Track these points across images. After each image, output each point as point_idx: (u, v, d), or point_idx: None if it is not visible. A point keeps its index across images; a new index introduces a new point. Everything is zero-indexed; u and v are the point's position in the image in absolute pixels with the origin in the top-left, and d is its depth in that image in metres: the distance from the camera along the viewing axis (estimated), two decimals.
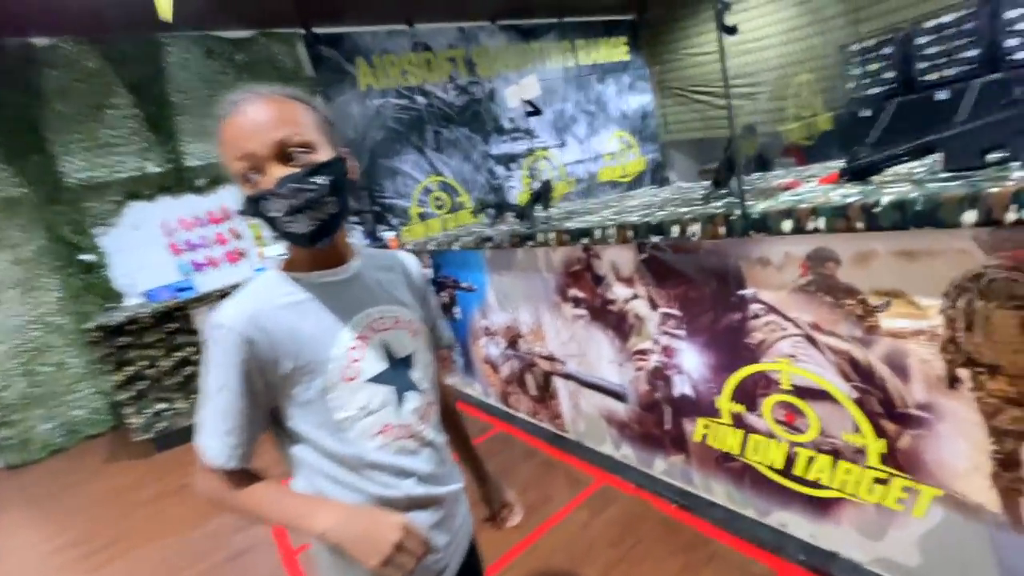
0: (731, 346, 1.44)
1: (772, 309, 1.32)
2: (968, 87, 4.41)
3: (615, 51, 7.44)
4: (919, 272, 1.03)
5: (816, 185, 1.36)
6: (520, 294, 2.26)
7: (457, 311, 2.81)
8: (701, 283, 1.47)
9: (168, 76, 4.07)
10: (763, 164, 1.61)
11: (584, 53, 7.07)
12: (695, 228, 1.32)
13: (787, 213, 1.12)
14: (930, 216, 0.91)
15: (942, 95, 5.05)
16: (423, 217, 5.51)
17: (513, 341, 2.42)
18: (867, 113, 5.62)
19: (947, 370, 1.04)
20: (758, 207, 1.20)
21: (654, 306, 1.64)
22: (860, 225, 1.00)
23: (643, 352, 1.74)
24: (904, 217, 0.94)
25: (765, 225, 1.16)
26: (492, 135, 6.08)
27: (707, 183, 1.66)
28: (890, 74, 5.68)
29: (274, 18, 4.53)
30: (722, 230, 1.25)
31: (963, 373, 1.02)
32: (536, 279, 2.11)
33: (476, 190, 6.02)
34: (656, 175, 7.95)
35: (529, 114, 1.99)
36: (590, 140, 7.19)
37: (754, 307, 1.35)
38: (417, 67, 5.54)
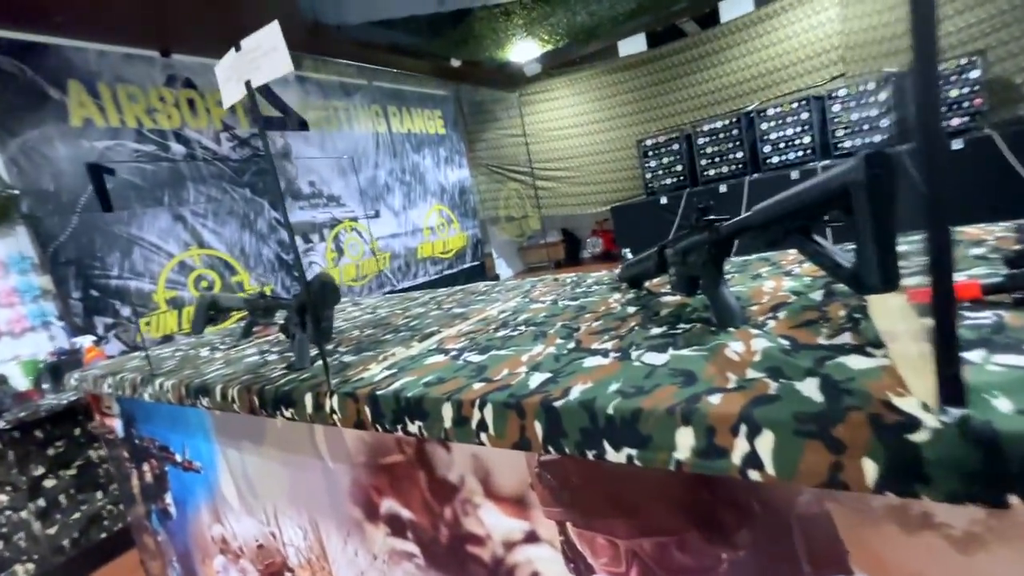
0: None
1: None
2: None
3: (431, 123, 6.98)
4: None
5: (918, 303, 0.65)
6: (281, 490, 1.13)
7: (169, 501, 1.50)
8: (709, 533, 0.60)
9: None
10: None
11: (397, 121, 6.41)
12: (815, 462, 0.44)
13: None
14: None
15: (723, 188, 5.61)
16: (175, 304, 3.93)
17: (275, 573, 1.25)
18: (664, 201, 6.00)
19: None
20: None
21: (578, 566, 0.71)
22: None
23: None
24: None
25: None
26: (285, 199, 4.83)
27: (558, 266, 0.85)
28: (679, 167, 6.27)
29: None
30: (869, 475, 0.41)
31: None
32: (312, 468, 1.03)
33: (261, 267, 4.66)
34: (477, 251, 7.54)
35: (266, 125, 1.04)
36: (407, 212, 6.41)
37: None
38: (172, 107, 4.14)
